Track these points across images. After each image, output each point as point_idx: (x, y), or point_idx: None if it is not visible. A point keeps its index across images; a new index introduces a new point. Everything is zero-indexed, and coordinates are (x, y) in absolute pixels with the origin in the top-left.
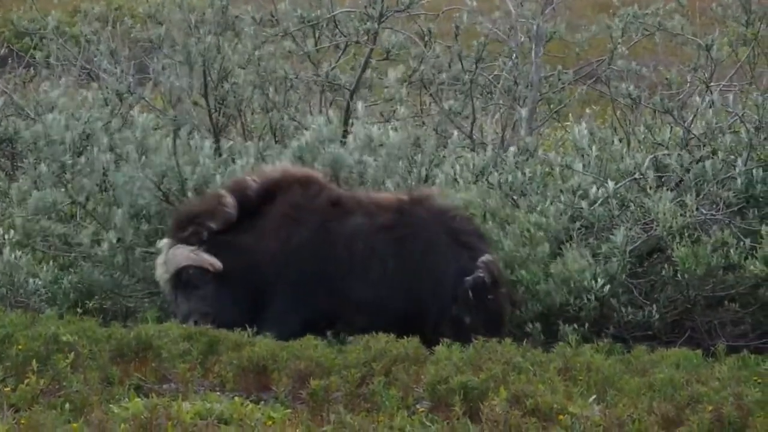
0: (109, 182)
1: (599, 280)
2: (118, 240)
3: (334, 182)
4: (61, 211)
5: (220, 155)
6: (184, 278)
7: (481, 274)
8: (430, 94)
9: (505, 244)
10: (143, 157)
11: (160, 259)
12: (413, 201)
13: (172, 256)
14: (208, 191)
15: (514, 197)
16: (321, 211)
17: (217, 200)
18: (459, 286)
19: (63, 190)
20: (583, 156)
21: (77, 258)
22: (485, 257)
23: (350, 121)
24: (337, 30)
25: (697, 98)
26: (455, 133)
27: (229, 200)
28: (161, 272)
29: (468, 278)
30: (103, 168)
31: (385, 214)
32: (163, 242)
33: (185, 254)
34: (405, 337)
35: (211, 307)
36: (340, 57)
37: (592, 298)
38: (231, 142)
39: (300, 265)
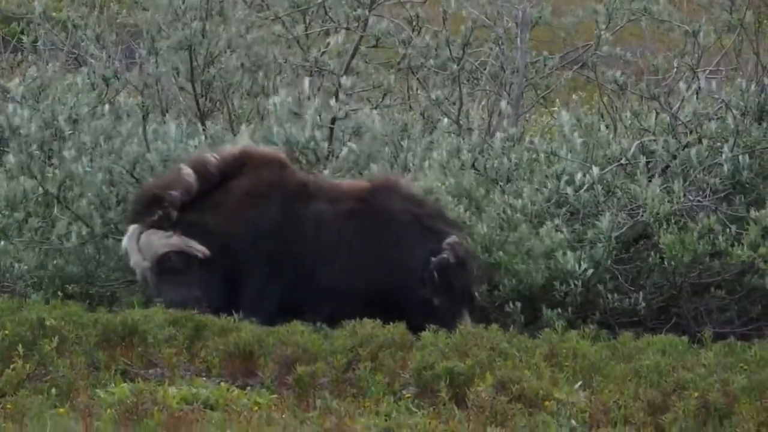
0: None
1: (583, 263)
2: (89, 231)
3: (296, 164)
4: (38, 202)
5: (206, 139)
6: (166, 265)
7: (446, 255)
8: (418, 79)
9: (482, 227)
10: (113, 146)
11: (130, 245)
12: (378, 188)
13: (148, 242)
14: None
15: (500, 183)
16: (287, 192)
17: (176, 172)
18: (426, 269)
19: (34, 180)
20: (569, 142)
21: (56, 248)
22: (450, 239)
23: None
24: (327, 16)
25: (683, 84)
26: (444, 120)
27: (188, 170)
28: (137, 259)
29: (433, 259)
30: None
31: (350, 200)
32: (132, 228)
33: (164, 241)
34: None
35: (202, 291)
36: (329, 42)
37: (578, 283)
38: (217, 127)
39: (268, 246)
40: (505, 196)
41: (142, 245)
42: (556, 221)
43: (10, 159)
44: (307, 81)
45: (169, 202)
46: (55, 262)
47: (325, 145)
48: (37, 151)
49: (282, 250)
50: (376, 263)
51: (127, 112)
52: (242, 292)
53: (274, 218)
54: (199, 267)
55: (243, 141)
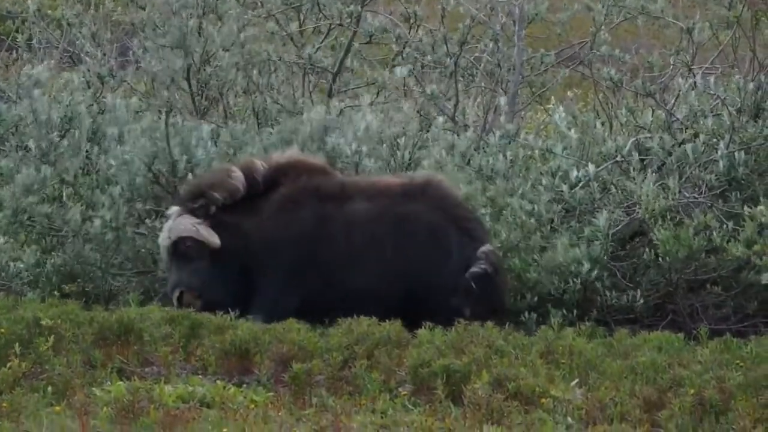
0: (93, 164)
1: (584, 263)
2: (112, 219)
3: (338, 171)
4: (45, 192)
5: (203, 139)
6: (181, 249)
7: (484, 266)
8: (415, 77)
9: (500, 232)
10: (128, 141)
11: (167, 223)
12: (416, 186)
13: (176, 224)
14: (218, 165)
15: (497, 180)
16: (321, 195)
17: (227, 173)
18: (460, 277)
19: (50, 168)
20: (564, 139)
21: (61, 240)
22: (486, 247)
23: (332, 103)
24: (321, 13)
25: (680, 80)
26: (440, 118)
27: (238, 174)
28: (163, 237)
29: (472, 270)
30: (87, 151)
31: (384, 199)
32: (173, 209)
33: (187, 225)
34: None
35: (199, 282)
36: (323, 39)
37: (577, 281)
38: (212, 125)
39: (296, 251)
40: (522, 202)
41: (172, 224)
42: (556, 222)
43: (30, 145)
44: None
45: (211, 199)
46: (59, 254)
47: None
48: (57, 138)
49: (309, 255)
50: (407, 265)
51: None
52: (256, 296)
53: (305, 223)
54: (210, 259)
55: (293, 150)
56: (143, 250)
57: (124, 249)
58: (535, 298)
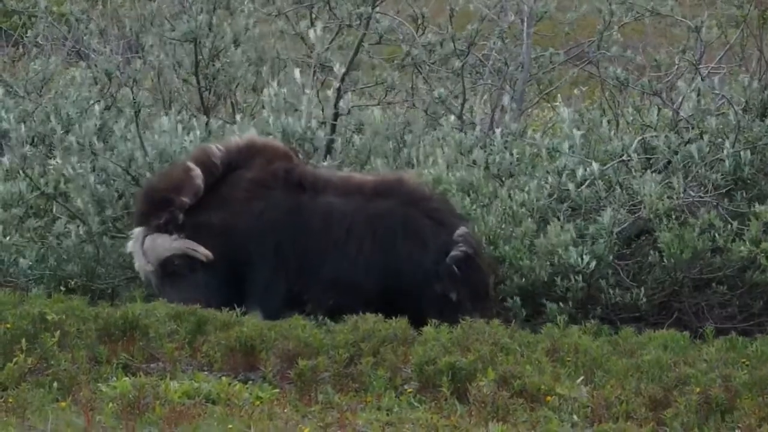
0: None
1: (585, 257)
2: (86, 231)
3: (300, 156)
4: (36, 201)
5: (210, 134)
6: (170, 269)
7: (463, 248)
8: (423, 77)
9: (488, 221)
10: (107, 144)
11: (135, 248)
12: (385, 183)
13: (153, 246)
14: (171, 164)
15: (502, 178)
16: (293, 184)
17: (185, 172)
18: (441, 263)
19: (28, 182)
20: (570, 137)
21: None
22: (461, 230)
23: (340, 102)
24: (332, 12)
25: (685, 79)
26: (449, 117)
27: (197, 172)
28: (142, 263)
29: (452, 254)
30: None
31: (359, 195)
32: (137, 231)
33: (168, 245)
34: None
35: (203, 294)
36: (335, 38)
37: (580, 278)
38: (221, 121)
39: (274, 239)
40: (509, 191)
41: (146, 249)
42: (562, 219)
43: (4, 161)
44: (297, 72)
45: (178, 206)
46: (55, 257)
47: (321, 135)
48: (31, 151)
49: (287, 243)
50: (387, 259)
51: (130, 106)
52: (248, 286)
53: (280, 210)
54: (202, 269)
55: (248, 132)
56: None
57: (107, 258)
58: (521, 280)
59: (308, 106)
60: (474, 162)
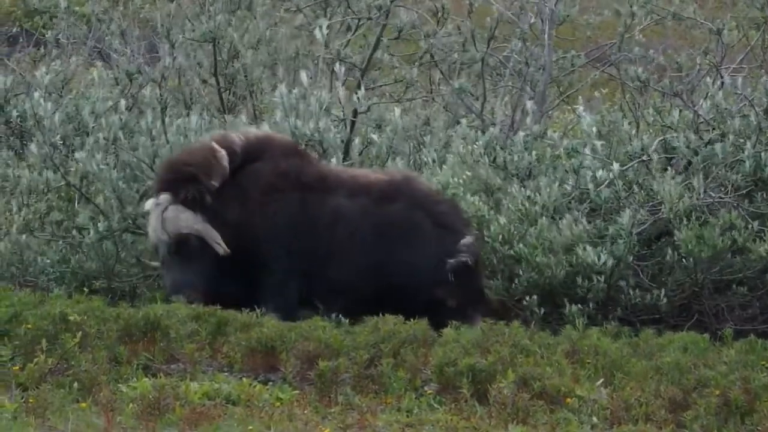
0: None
1: (602, 256)
2: (106, 227)
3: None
4: (61, 197)
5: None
6: (183, 246)
7: (464, 258)
8: (441, 73)
9: (501, 220)
10: (132, 141)
11: (155, 213)
12: (394, 183)
13: (175, 218)
14: (194, 144)
15: (522, 179)
16: (305, 185)
17: (212, 153)
18: (441, 269)
19: (55, 172)
20: (590, 138)
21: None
22: (467, 239)
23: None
24: (349, 8)
25: (708, 80)
26: (466, 117)
27: (224, 154)
28: (158, 229)
29: (450, 261)
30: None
31: (366, 195)
32: (162, 196)
33: (191, 223)
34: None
35: (205, 282)
36: (353, 34)
37: (600, 278)
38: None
39: (286, 240)
40: (524, 190)
41: (167, 217)
42: (576, 214)
43: (33, 150)
44: (304, 74)
45: (207, 186)
46: (77, 256)
47: (331, 136)
48: (61, 143)
49: (298, 244)
50: (388, 261)
51: (152, 105)
52: (262, 287)
53: (292, 213)
54: (212, 258)
55: (264, 128)
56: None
57: (124, 256)
58: (536, 278)
59: (316, 107)
60: (494, 161)
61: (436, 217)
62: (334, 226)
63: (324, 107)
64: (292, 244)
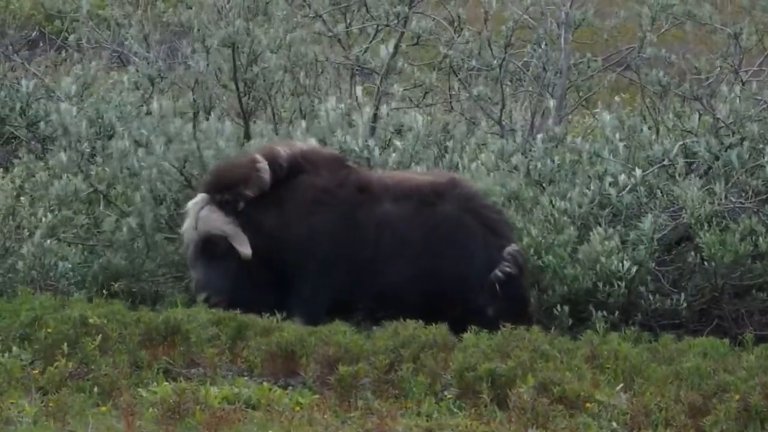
0: (129, 168)
1: (625, 263)
2: (139, 225)
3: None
4: (83, 200)
5: (249, 139)
6: (211, 247)
7: (508, 268)
8: (459, 80)
9: (530, 230)
10: (163, 143)
11: (193, 210)
12: (441, 187)
13: (207, 217)
14: (239, 155)
15: (543, 184)
16: (350, 196)
17: (254, 167)
18: (485, 277)
19: (83, 178)
20: (611, 143)
21: (103, 243)
22: (512, 248)
23: (379, 105)
24: (369, 14)
25: (726, 86)
26: (485, 121)
27: (265, 167)
28: (192, 227)
29: (496, 272)
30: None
31: (412, 200)
32: (201, 195)
33: (220, 224)
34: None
35: (229, 284)
36: (371, 41)
37: (622, 284)
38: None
39: (326, 250)
40: (552, 199)
41: (201, 216)
42: (606, 228)
43: (62, 157)
44: (360, 89)
45: (242, 195)
46: (100, 260)
47: (377, 152)
48: (87, 149)
49: (337, 254)
50: (434, 266)
51: (181, 110)
52: (292, 296)
53: (332, 225)
54: (238, 262)
55: (310, 140)
56: (177, 257)
57: (153, 255)
58: (565, 289)
59: (367, 122)
60: (516, 168)
61: (486, 220)
62: (380, 234)
63: (368, 122)
64: (328, 253)
